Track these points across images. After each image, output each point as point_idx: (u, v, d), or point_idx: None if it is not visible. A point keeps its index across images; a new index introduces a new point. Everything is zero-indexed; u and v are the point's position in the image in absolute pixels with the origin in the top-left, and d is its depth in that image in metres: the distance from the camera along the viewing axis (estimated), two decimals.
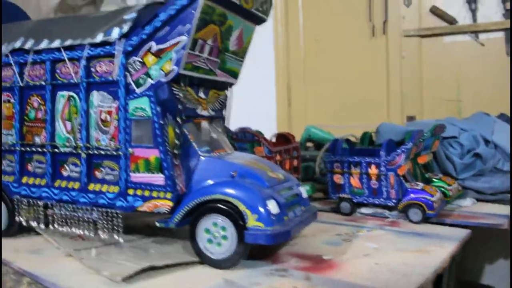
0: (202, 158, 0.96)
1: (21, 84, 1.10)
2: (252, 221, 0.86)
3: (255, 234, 0.86)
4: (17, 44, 1.10)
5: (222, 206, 0.88)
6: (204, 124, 1.04)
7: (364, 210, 1.31)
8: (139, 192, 0.95)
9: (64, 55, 1.03)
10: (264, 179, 0.93)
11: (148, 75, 0.94)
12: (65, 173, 1.06)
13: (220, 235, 0.89)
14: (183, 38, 0.90)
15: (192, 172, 0.96)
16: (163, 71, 0.93)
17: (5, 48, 1.13)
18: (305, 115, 2.20)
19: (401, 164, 1.20)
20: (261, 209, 0.86)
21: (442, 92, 1.87)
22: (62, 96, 1.05)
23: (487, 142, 1.32)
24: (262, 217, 0.86)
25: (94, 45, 1.00)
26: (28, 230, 1.17)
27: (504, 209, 1.27)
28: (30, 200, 1.09)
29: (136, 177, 0.95)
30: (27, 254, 1.02)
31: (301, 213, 0.98)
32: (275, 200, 0.90)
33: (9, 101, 1.14)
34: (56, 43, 1.05)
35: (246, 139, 1.40)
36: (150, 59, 0.94)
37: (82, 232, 1.05)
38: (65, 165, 1.06)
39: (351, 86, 2.06)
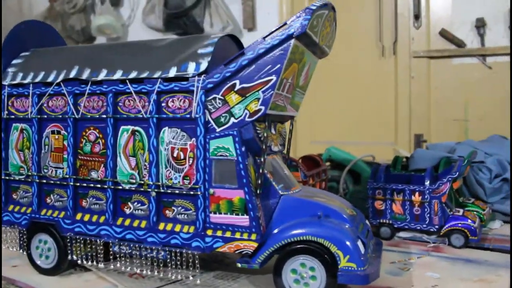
0: (282, 197, 0.95)
1: (77, 116, 1.04)
2: (344, 262, 0.87)
3: (348, 275, 0.86)
4: (72, 73, 1.04)
5: (313, 248, 0.88)
6: (277, 160, 1.03)
7: (402, 234, 1.35)
8: (219, 233, 0.93)
9: (131, 88, 0.98)
10: (347, 218, 0.94)
11: (230, 113, 0.92)
12: (128, 211, 1.01)
13: (309, 275, 0.89)
14: (273, 78, 0.89)
15: (272, 211, 0.95)
16: (248, 110, 0.91)
17: (54, 76, 1.06)
18: (310, 132, 2.23)
19: (446, 192, 1.25)
20: (353, 250, 0.87)
21: (449, 112, 1.95)
22: (126, 130, 1.01)
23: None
24: (354, 258, 0.87)
25: (166, 80, 0.96)
26: (73, 268, 1.12)
27: None
28: (87, 238, 1.04)
29: (216, 218, 0.93)
30: None
31: (373, 247, 1.00)
32: (360, 240, 0.91)
33: (59, 133, 1.07)
34: (118, 75, 1.00)
35: None
36: (234, 97, 0.92)
37: (145, 271, 1.01)
38: (129, 203, 1.01)
39: (359, 105, 2.10)
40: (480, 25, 1.86)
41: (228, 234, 0.92)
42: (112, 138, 1.01)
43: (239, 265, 0.93)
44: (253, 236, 0.91)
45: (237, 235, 0.92)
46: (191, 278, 0.99)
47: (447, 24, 1.94)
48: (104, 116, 1.01)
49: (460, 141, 1.68)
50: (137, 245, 0.99)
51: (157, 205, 0.98)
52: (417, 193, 1.27)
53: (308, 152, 1.61)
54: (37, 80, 1.08)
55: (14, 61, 1.15)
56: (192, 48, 0.98)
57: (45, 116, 1.08)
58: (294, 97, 1.05)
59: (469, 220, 1.23)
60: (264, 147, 0.93)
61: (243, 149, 0.91)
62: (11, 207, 1.13)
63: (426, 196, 1.26)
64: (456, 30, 1.93)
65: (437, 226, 1.26)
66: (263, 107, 0.90)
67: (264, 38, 0.90)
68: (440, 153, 1.41)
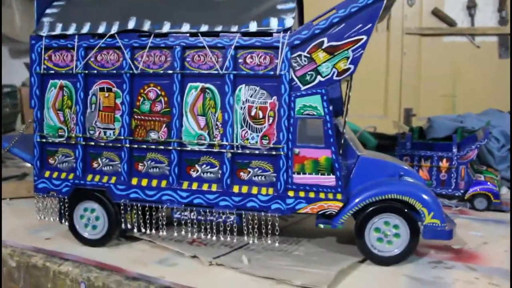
0: (360, 157, 0.95)
1: (135, 71, 0.95)
2: (429, 219, 0.90)
3: (434, 231, 0.89)
4: (131, 25, 0.95)
5: (397, 206, 0.90)
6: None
7: None
8: (301, 194, 0.91)
9: (204, 42, 0.92)
10: (420, 178, 0.96)
11: (317, 71, 0.89)
12: (194, 174, 0.96)
13: (392, 233, 0.91)
14: (363, 37, 0.88)
15: (350, 171, 0.95)
16: (336, 69, 0.89)
17: (106, 28, 0.96)
18: None
19: (473, 159, 1.32)
20: (436, 207, 0.90)
21: (438, 88, 2.06)
22: (194, 87, 0.94)
23: None
24: (438, 215, 0.90)
25: (245, 34, 0.91)
26: (117, 238, 1.04)
27: None
28: (146, 204, 0.97)
29: (300, 178, 0.91)
30: (161, 266, 0.90)
31: None
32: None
33: (109, 90, 0.98)
34: (186, 28, 0.93)
35: None
36: (321, 55, 0.89)
37: (213, 237, 0.96)
38: (196, 165, 0.95)
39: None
40: (471, 5, 1.98)
41: (311, 195, 0.91)
42: (178, 96, 0.94)
43: (321, 226, 0.93)
44: (339, 196, 0.90)
45: (322, 196, 0.91)
46: (254, 242, 0.96)
47: (439, 3, 2.04)
48: (170, 71, 0.94)
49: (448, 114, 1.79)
50: (205, 210, 0.95)
51: (231, 167, 0.93)
52: (444, 160, 1.34)
53: None
54: (84, 31, 0.97)
55: (48, 10, 1.02)
56: (267, 3, 0.94)
57: (95, 72, 0.98)
58: None
59: (491, 185, 1.32)
60: (347, 107, 0.93)
61: (331, 108, 0.89)
62: (47, 173, 1.01)
63: (453, 162, 1.33)
64: (448, 9, 2.03)
65: (462, 191, 1.34)
66: (352, 66, 0.89)
67: None
68: (455, 124, 1.49)
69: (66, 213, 1.01)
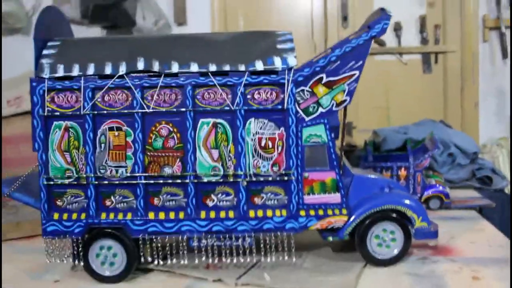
0: (354, 176, 1.09)
1: (147, 110, 0.99)
2: (418, 223, 1.05)
3: (423, 232, 1.05)
4: (140, 66, 0.99)
5: (394, 215, 1.04)
6: None
7: None
8: (312, 212, 1.02)
9: (215, 81, 0.99)
10: (406, 189, 1.12)
11: (319, 104, 1.01)
12: (210, 203, 1.02)
13: (389, 238, 1.05)
14: (356, 73, 1.02)
15: (348, 188, 1.07)
16: (334, 100, 1.01)
17: (112, 69, 0.99)
18: None
19: (427, 166, 1.53)
20: (423, 212, 1.06)
21: (373, 102, 2.29)
22: (206, 123, 1.01)
23: (451, 143, 1.77)
24: (425, 218, 1.06)
25: (253, 73, 1.00)
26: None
27: (471, 193, 1.74)
28: (165, 236, 1.01)
29: (309, 198, 1.01)
30: None
31: None
32: None
33: (119, 129, 1.00)
34: (195, 67, 1.00)
35: None
36: (321, 89, 1.01)
37: (233, 260, 1.03)
38: (212, 195, 1.02)
39: None
40: (398, 28, 2.25)
41: (321, 212, 1.02)
42: (192, 132, 1.00)
43: (330, 238, 1.04)
44: (344, 211, 1.02)
45: (329, 212, 1.02)
46: (272, 260, 1.05)
47: None
48: (183, 109, 0.99)
49: (384, 126, 2.02)
50: (225, 236, 1.01)
51: (246, 194, 1.01)
52: (403, 168, 1.53)
53: None
54: (89, 72, 0.99)
55: (45, 51, 1.02)
56: (266, 42, 1.03)
57: (104, 112, 1.00)
58: None
59: (441, 187, 1.54)
60: (343, 132, 1.05)
61: (332, 135, 1.01)
62: (56, 215, 1.01)
63: (411, 170, 1.52)
64: None
65: (419, 195, 1.54)
66: (348, 98, 1.02)
67: (348, 38, 1.01)
68: (403, 135, 1.70)
69: (80, 254, 1.01)
